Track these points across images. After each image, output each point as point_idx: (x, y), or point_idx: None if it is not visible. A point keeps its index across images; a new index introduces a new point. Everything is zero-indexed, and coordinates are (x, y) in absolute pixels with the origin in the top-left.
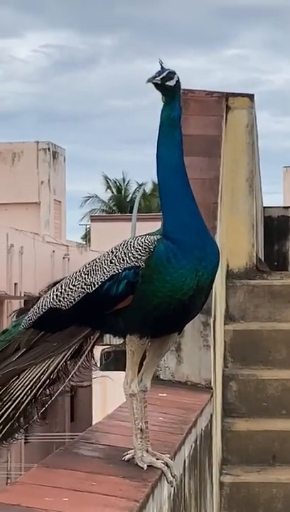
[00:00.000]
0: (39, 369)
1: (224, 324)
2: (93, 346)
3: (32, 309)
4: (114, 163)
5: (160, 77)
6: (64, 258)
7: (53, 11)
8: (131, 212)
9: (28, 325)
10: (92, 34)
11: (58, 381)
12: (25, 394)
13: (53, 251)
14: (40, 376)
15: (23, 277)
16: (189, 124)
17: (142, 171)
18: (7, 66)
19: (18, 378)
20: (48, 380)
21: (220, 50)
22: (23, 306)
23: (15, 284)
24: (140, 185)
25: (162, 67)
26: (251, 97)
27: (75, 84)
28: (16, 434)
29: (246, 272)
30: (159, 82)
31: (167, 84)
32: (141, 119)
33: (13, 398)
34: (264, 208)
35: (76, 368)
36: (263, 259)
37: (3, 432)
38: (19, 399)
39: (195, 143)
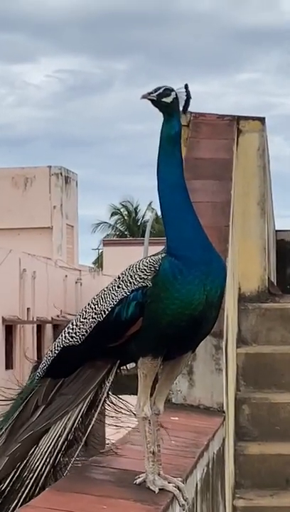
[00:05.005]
0: (56, 430)
1: (237, 347)
2: (108, 393)
3: (45, 356)
4: (127, 187)
5: (157, 93)
6: (76, 282)
7: (67, 36)
8: (143, 236)
9: (43, 372)
10: (105, 59)
11: (76, 443)
12: (43, 464)
13: (66, 275)
14: (57, 439)
15: (36, 302)
16: (200, 147)
17: (156, 195)
18: (20, 91)
19: (36, 447)
20: (66, 442)
21: (233, 74)
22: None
23: (28, 308)
24: (149, 205)
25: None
26: (262, 120)
27: (88, 109)
28: None
29: (259, 295)
30: (155, 99)
31: (163, 101)
32: (155, 144)
33: (33, 470)
34: (277, 231)
35: (93, 422)
36: (275, 283)
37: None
38: (38, 471)
39: (207, 166)
